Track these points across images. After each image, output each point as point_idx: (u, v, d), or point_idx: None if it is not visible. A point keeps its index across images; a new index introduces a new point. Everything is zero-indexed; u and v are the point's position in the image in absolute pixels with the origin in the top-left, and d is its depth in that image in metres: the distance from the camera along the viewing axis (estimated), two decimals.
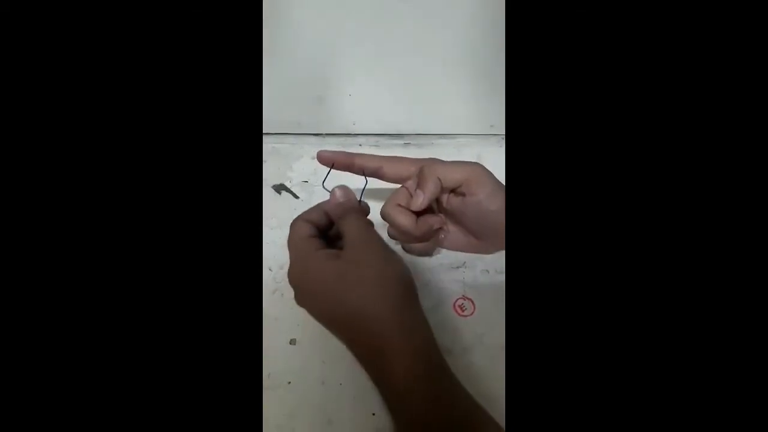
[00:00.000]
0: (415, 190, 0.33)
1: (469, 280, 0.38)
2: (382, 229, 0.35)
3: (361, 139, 0.50)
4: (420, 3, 0.39)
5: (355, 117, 0.49)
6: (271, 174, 0.47)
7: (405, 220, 0.33)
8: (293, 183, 0.46)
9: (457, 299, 0.36)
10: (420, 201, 0.33)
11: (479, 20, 0.40)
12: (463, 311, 0.36)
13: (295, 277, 0.30)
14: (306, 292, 0.30)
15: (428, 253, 0.39)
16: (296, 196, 0.45)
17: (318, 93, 0.47)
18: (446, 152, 0.49)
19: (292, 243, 0.31)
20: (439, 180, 0.32)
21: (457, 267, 0.39)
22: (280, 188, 0.46)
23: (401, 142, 0.50)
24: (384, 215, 0.35)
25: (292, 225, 0.31)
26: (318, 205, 0.33)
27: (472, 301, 0.36)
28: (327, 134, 0.51)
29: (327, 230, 0.33)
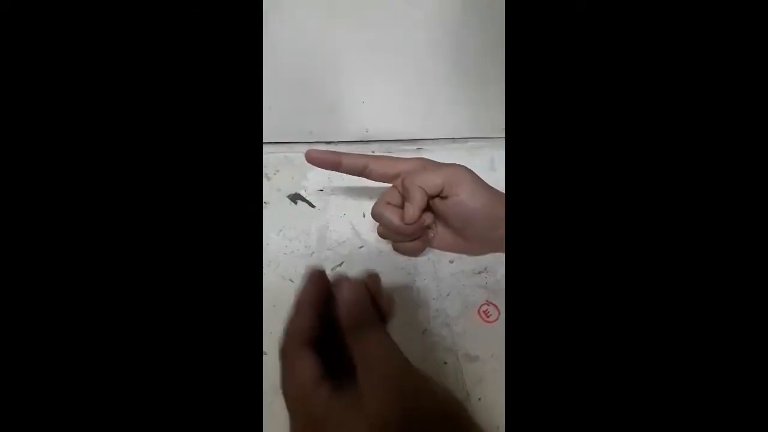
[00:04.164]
0: (404, 203, 0.34)
1: (491, 284, 0.38)
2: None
3: (374, 146, 0.50)
4: (432, 8, 0.39)
5: (369, 124, 0.49)
6: (285, 184, 0.47)
7: (396, 217, 0.34)
8: (308, 192, 0.46)
9: (482, 305, 0.36)
10: (411, 212, 0.33)
11: (491, 24, 0.40)
12: (488, 317, 0.36)
13: None
14: None
15: (418, 253, 0.39)
16: (312, 205, 0.45)
17: (330, 101, 0.47)
18: (459, 156, 0.49)
19: (297, 395, 0.23)
20: (422, 188, 0.33)
21: (479, 272, 0.39)
22: (295, 198, 0.46)
23: (414, 147, 0.50)
24: (375, 215, 0.36)
25: (291, 362, 0.23)
26: (304, 310, 0.25)
27: (497, 307, 0.36)
28: (339, 142, 0.51)
29: (329, 328, 0.25)
